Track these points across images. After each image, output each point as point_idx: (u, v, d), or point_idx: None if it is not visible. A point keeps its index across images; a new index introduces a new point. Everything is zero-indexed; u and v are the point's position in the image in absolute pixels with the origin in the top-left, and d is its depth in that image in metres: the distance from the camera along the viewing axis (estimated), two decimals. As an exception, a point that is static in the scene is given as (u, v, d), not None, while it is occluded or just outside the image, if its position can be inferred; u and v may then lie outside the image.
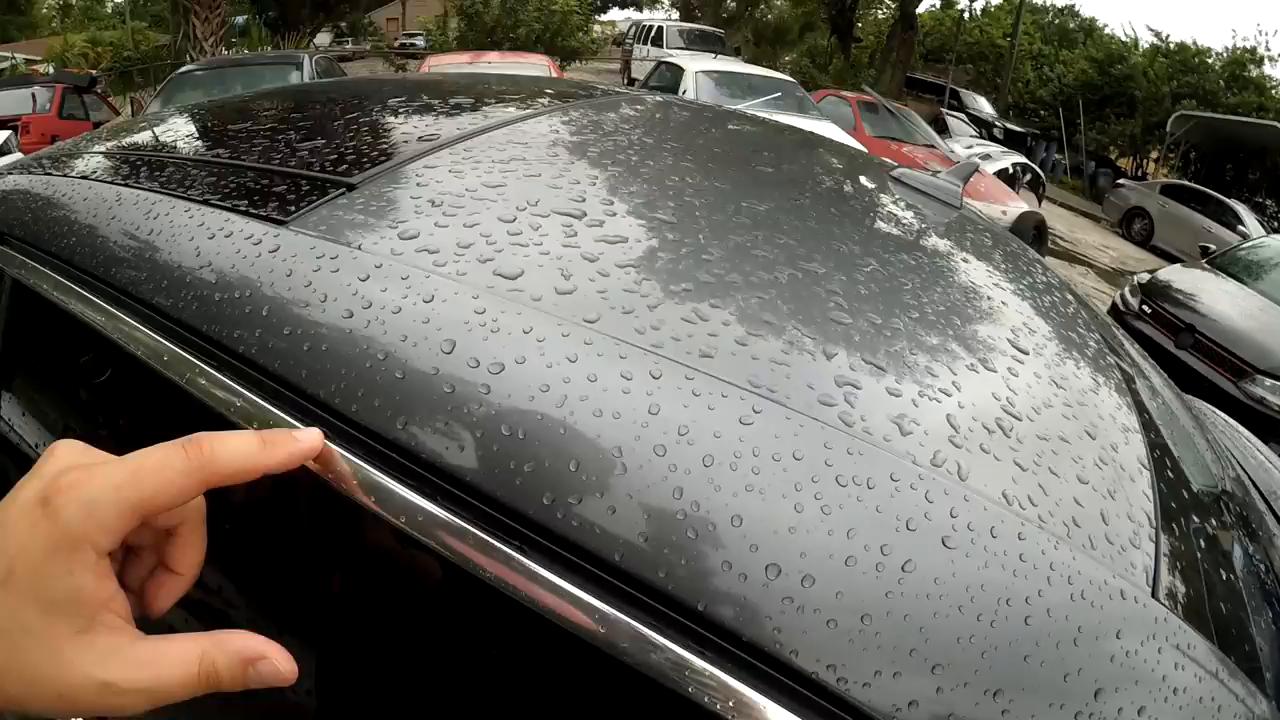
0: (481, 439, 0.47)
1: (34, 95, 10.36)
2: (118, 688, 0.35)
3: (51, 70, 15.10)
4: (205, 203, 0.67)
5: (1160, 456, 0.72)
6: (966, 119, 15.31)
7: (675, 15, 32.97)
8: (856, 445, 0.50)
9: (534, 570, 0.45)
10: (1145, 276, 5.97)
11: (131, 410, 0.77)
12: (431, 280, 0.55)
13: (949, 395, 0.58)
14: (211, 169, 0.78)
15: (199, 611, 0.65)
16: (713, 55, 14.26)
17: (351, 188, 0.67)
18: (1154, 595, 0.52)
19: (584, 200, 0.70)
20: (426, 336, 0.51)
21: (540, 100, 1.05)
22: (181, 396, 0.58)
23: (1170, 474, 0.72)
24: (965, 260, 0.91)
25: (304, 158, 0.76)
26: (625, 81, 17.96)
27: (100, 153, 0.91)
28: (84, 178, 0.80)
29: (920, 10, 21.81)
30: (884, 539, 0.45)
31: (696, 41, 18.49)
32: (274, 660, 0.39)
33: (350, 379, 0.51)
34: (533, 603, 0.45)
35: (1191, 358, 5.05)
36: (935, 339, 0.65)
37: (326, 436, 0.49)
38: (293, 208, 0.64)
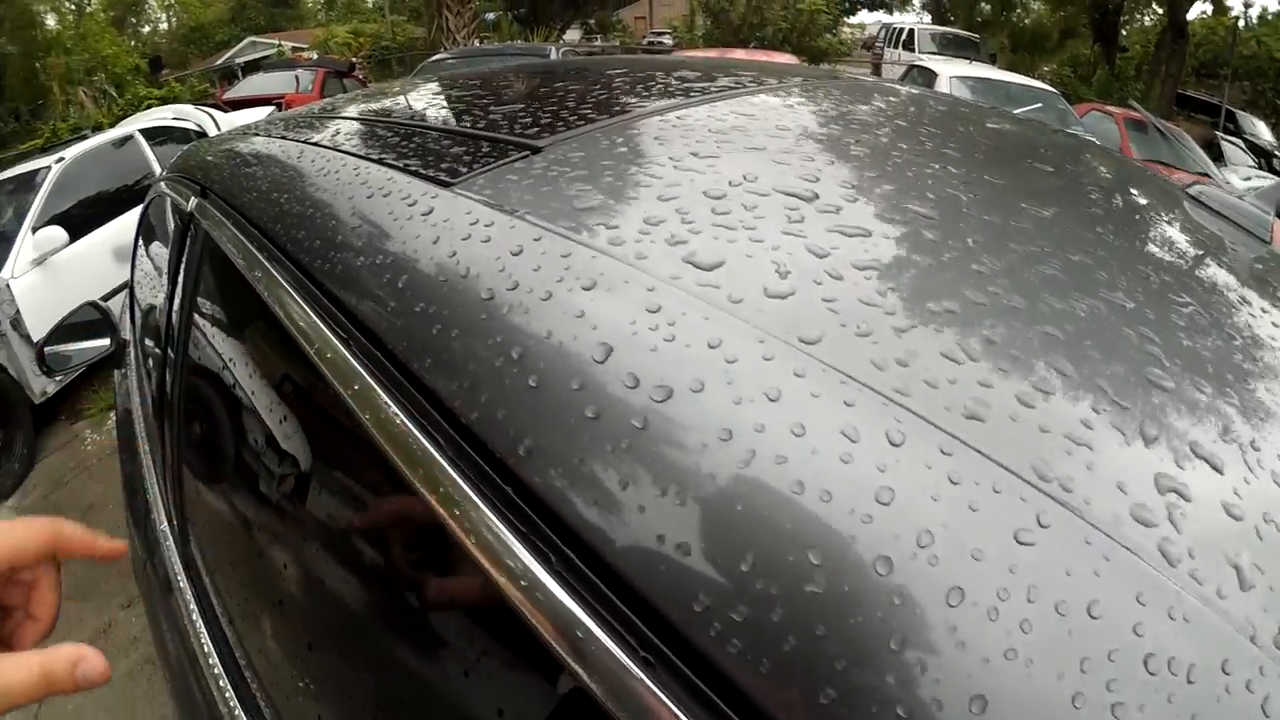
0: (624, 494, 0.33)
1: (297, 77, 11.64)
2: None
3: (315, 56, 17.02)
4: (379, 161, 0.61)
5: None
6: (1244, 145, 13.44)
7: (927, 18, 31.35)
8: (1193, 609, 0.31)
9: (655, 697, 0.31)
10: None
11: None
12: (598, 262, 0.43)
13: None
14: (401, 130, 0.74)
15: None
16: (967, 61, 13.52)
17: (536, 150, 0.58)
18: None
19: (816, 180, 0.55)
20: (577, 336, 0.39)
21: (775, 79, 0.91)
22: (313, 371, 0.51)
23: None
24: None
25: (495, 122, 0.69)
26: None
27: (311, 116, 0.90)
28: (281, 137, 0.78)
29: (1190, 17, 19.25)
30: None
31: (949, 46, 17.42)
32: (89, 660, 0.42)
33: (475, 376, 0.39)
34: None
35: None
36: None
37: (437, 447, 0.40)
38: (465, 170, 0.56)
